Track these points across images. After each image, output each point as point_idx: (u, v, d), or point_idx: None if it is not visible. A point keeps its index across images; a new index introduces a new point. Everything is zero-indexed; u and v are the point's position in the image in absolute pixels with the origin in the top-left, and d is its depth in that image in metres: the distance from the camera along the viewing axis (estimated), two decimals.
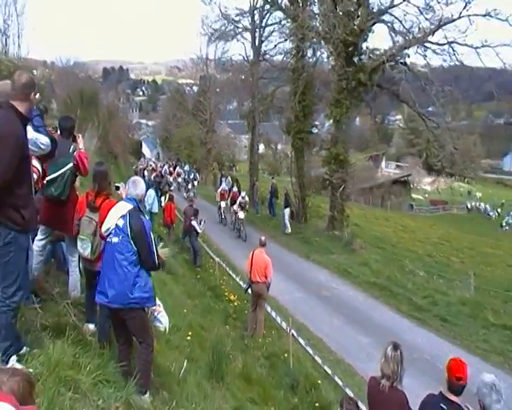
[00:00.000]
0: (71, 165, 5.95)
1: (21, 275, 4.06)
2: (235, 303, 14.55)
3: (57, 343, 4.50)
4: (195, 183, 39.03)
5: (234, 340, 10.51)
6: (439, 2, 23.06)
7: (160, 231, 19.21)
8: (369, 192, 61.02)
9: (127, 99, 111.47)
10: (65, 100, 23.12)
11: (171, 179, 38.96)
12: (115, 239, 4.95)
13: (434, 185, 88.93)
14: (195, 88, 72.17)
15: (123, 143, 31.34)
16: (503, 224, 58.91)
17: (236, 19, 34.25)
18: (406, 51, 25.03)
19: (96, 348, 5.09)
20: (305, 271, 19.43)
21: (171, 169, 46.33)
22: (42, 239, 6.07)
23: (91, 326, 5.68)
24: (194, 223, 18.12)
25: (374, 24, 25.26)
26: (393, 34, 24.74)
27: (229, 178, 37.14)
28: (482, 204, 70.71)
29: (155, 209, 19.13)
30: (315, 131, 31.71)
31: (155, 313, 7.78)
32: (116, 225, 4.99)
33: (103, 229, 5.14)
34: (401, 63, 25.15)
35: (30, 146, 4.31)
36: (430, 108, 30.34)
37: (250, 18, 33.94)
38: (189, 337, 8.61)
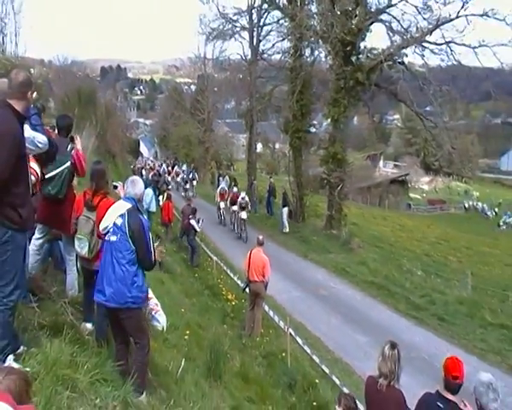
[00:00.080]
0: (68, 163, 5.94)
1: (19, 274, 4.06)
2: (233, 302, 14.55)
3: (54, 342, 4.50)
4: (194, 182, 39.00)
5: (232, 339, 10.52)
6: (436, 2, 23.13)
7: (157, 230, 19.21)
8: (367, 191, 61.07)
9: (125, 98, 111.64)
10: (62, 99, 23.06)
11: (169, 179, 38.95)
12: (113, 238, 4.96)
13: (432, 185, 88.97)
14: (193, 87, 72.16)
15: (121, 141, 31.26)
16: (501, 223, 58.99)
17: (234, 18, 34.28)
18: (404, 51, 25.09)
19: (93, 347, 5.09)
20: (302, 270, 19.43)
21: (170, 168, 46.32)
22: (39, 238, 6.05)
23: (89, 325, 5.67)
24: (192, 221, 18.12)
25: (372, 23, 25.29)
26: (391, 34, 24.79)
27: (227, 177, 37.13)
28: (480, 204, 70.79)
29: (153, 208, 19.14)
30: (313, 130, 31.73)
31: (153, 312, 7.78)
32: (114, 223, 4.99)
33: (101, 227, 5.14)
34: (399, 63, 25.19)
35: (27, 144, 4.30)
36: (428, 108, 30.40)
37: (248, 17, 33.93)
38: (186, 336, 8.61)
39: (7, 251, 3.94)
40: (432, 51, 24.19)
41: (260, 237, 13.15)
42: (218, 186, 36.57)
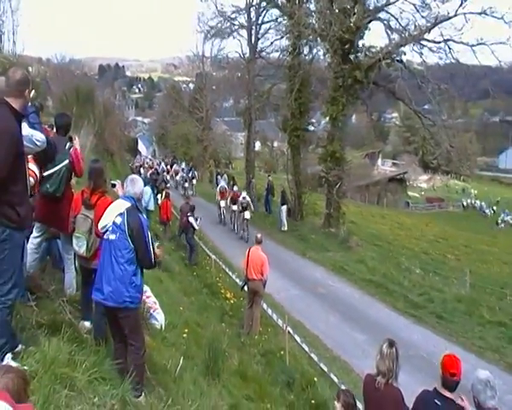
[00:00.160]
0: (67, 162, 5.93)
1: (16, 272, 4.05)
2: (232, 301, 14.56)
3: (53, 341, 4.49)
4: (194, 181, 38.89)
5: (230, 337, 10.51)
6: (434, 0, 23.17)
7: (156, 228, 19.20)
8: (366, 190, 61.13)
9: (123, 96, 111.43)
10: (60, 97, 22.98)
11: (168, 177, 38.89)
12: (112, 236, 4.95)
13: (430, 183, 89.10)
14: (191, 85, 72.14)
15: (119, 140, 31.20)
16: (499, 221, 59.12)
17: (232, 16, 34.30)
18: (402, 49, 25.12)
19: (91, 346, 5.08)
20: (301, 268, 19.44)
21: (168, 167, 46.27)
22: (37, 236, 6.05)
23: (87, 324, 5.67)
24: (191, 219, 18.11)
25: (370, 21, 25.32)
26: (389, 32, 24.82)
27: (226, 175, 37.11)
28: (478, 202, 70.93)
29: (151, 207, 19.13)
30: (311, 128, 31.78)
31: (151, 311, 7.78)
32: (113, 222, 4.98)
33: (100, 226, 5.14)
34: (397, 61, 25.21)
35: (25, 143, 4.29)
36: (426, 106, 30.41)
37: (246, 15, 33.92)
38: (185, 335, 8.60)
39: (4, 250, 3.93)
40: (430, 49, 24.27)
41: (259, 236, 13.16)
42: (217, 185, 36.69)
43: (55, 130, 6.50)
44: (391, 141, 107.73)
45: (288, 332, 11.19)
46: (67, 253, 6.12)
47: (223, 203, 26.29)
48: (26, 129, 4.44)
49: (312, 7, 27.48)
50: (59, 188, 5.84)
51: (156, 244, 5.41)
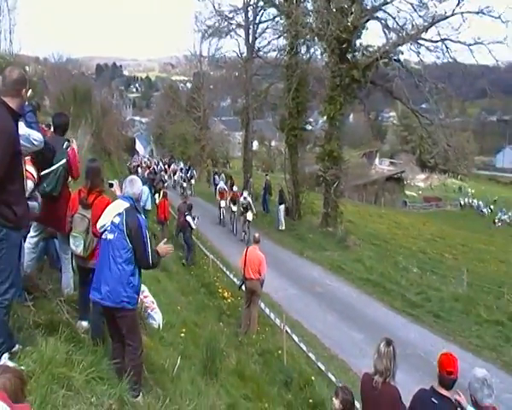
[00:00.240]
0: (64, 161, 5.91)
1: (14, 272, 4.04)
2: (229, 300, 14.55)
3: (50, 341, 4.48)
4: (193, 181, 38.75)
5: (228, 337, 10.51)
6: (432, 0, 23.17)
7: (153, 228, 19.17)
8: (363, 189, 61.24)
9: (121, 96, 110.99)
10: (58, 97, 22.96)
11: (166, 177, 38.81)
12: (110, 236, 4.94)
13: (428, 182, 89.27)
14: (189, 85, 72.02)
15: (116, 139, 31.20)
16: (496, 220, 59.26)
17: (230, 15, 34.32)
18: (400, 48, 25.20)
19: (89, 346, 5.07)
20: (298, 267, 19.44)
21: (166, 167, 46.20)
22: (34, 236, 6.04)
23: (84, 323, 5.66)
24: (188, 218, 18.09)
25: (367, 21, 25.36)
26: (387, 31, 24.85)
27: (223, 174, 37.08)
28: (475, 201, 71.06)
29: (149, 206, 19.10)
30: (309, 127, 31.80)
31: (149, 310, 7.77)
32: (112, 222, 4.98)
33: (98, 225, 5.13)
34: (395, 60, 25.25)
35: (22, 142, 4.28)
36: (423, 105, 30.45)
37: (244, 15, 33.97)
38: (182, 334, 8.60)
39: (1, 249, 3.92)
40: (427, 49, 24.35)
41: (256, 235, 13.17)
42: (215, 184, 36.63)
43: (52, 129, 6.48)
44: (388, 140, 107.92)
45: (286, 332, 11.19)
46: (65, 252, 6.10)
47: (223, 204, 26.04)
48: (23, 128, 4.44)
49: (310, 6, 27.56)
50: (56, 187, 5.83)
51: (163, 241, 5.42)
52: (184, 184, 36.68)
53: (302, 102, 28.18)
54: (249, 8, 33.67)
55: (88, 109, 22.90)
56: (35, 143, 4.66)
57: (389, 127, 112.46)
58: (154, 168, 40.26)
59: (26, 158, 4.88)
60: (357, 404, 5.85)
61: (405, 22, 24.32)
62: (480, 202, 69.35)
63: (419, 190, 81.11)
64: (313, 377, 10.01)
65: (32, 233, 5.98)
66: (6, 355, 3.97)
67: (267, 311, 13.15)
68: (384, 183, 66.42)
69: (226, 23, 34.65)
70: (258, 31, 34.14)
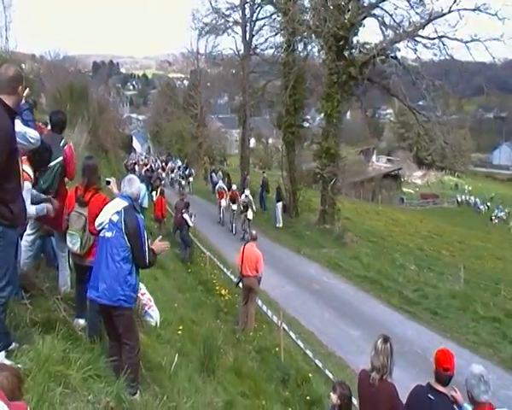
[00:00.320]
0: (61, 158, 5.91)
1: (10, 270, 4.03)
2: (227, 297, 14.56)
3: (47, 339, 4.47)
4: (191, 179, 38.56)
5: (225, 334, 10.52)
6: None
7: (150, 225, 19.16)
8: (360, 186, 61.30)
9: (117, 93, 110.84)
10: (54, 94, 22.88)
11: (163, 175, 38.74)
12: (108, 234, 4.94)
13: (425, 179, 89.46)
14: (186, 82, 72.07)
15: (113, 137, 31.11)
16: (493, 217, 59.41)
17: (227, 13, 34.21)
18: (397, 45, 25.26)
19: (86, 343, 5.06)
20: (296, 265, 19.46)
21: (163, 164, 46.14)
22: (31, 234, 6.03)
23: (81, 321, 5.65)
24: (185, 216, 18.08)
25: (364, 18, 25.32)
26: (384, 28, 24.84)
27: (221, 172, 37.05)
28: (472, 198, 71.21)
29: (145, 204, 19.07)
30: (306, 125, 31.84)
31: (146, 308, 7.77)
32: (110, 220, 4.97)
33: (96, 223, 5.14)
34: (392, 57, 25.26)
35: (18, 139, 4.26)
36: (421, 102, 30.45)
37: (241, 12, 33.86)
38: (179, 332, 8.61)
39: None
40: (424, 46, 24.30)
41: (254, 232, 13.18)
42: (212, 182, 36.61)
43: (49, 127, 6.46)
44: (385, 137, 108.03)
45: (283, 329, 11.19)
46: (61, 250, 6.09)
47: (223, 203, 25.65)
48: (19, 126, 4.42)
49: (307, 3, 27.50)
50: (52, 184, 5.82)
51: (158, 238, 5.41)
52: (183, 182, 36.64)
53: (299, 100, 28.19)
54: (246, 6, 33.58)
55: (85, 107, 22.84)
56: (31, 141, 4.64)
57: (386, 124, 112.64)
58: (151, 166, 40.22)
59: (23, 158, 4.86)
60: (355, 401, 5.85)
61: (402, 19, 24.35)
62: (477, 199, 69.50)
63: (416, 187, 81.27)
64: (310, 375, 10.03)
65: (28, 231, 5.96)
66: (3, 354, 3.96)
67: (264, 308, 13.15)
68: (381, 180, 66.49)
69: (223, 20, 34.56)
70: (256, 28, 34.01)
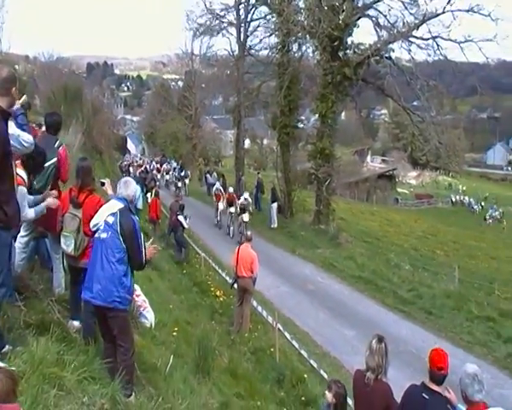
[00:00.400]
0: (55, 160, 5.91)
1: (4, 272, 4.02)
2: (221, 298, 14.56)
3: (41, 341, 4.46)
4: (187, 181, 38.42)
5: (220, 335, 10.53)
6: None
7: (145, 227, 19.12)
8: (355, 186, 61.37)
9: (112, 94, 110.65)
10: (48, 95, 22.79)
11: (158, 177, 38.61)
12: (104, 235, 4.94)
13: (419, 179, 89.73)
14: (181, 83, 71.96)
15: (108, 138, 30.95)
16: (487, 217, 59.57)
17: (221, 13, 34.27)
18: (391, 46, 25.28)
19: (80, 345, 5.05)
20: (290, 265, 19.47)
21: (158, 166, 46.04)
22: (25, 235, 6.01)
23: (76, 323, 5.64)
24: (180, 218, 18.06)
25: (359, 18, 25.37)
26: (378, 29, 24.90)
27: (215, 173, 37.02)
28: (466, 198, 71.44)
29: (140, 205, 19.03)
30: (301, 125, 31.86)
31: (141, 309, 7.76)
32: (105, 221, 4.97)
33: (92, 224, 5.13)
34: (386, 58, 25.30)
35: (12, 142, 4.25)
36: (415, 103, 30.56)
37: (235, 13, 33.91)
38: (174, 333, 8.61)
39: None
40: (418, 46, 24.40)
41: (248, 233, 13.21)
42: (207, 183, 36.53)
43: (44, 128, 6.45)
44: (380, 138, 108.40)
45: (278, 329, 11.20)
46: (56, 252, 6.08)
47: (221, 206, 25.24)
48: (13, 128, 4.41)
49: (301, 4, 27.52)
50: (46, 185, 5.81)
51: (149, 242, 5.41)
52: (179, 184, 36.53)
53: (294, 100, 28.21)
54: (241, 7, 33.63)
55: (79, 108, 22.73)
56: (25, 144, 4.61)
57: (381, 125, 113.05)
58: (145, 167, 40.13)
59: (17, 162, 4.84)
60: (350, 401, 5.87)
61: (396, 20, 24.44)
62: (471, 199, 69.72)
63: (410, 188, 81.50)
64: (305, 375, 10.04)
65: (22, 233, 5.94)
66: None
67: (259, 309, 13.16)
68: (376, 180, 66.61)
69: (218, 21, 34.63)
70: (250, 29, 34.08)
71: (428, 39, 23.92)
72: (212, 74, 47.72)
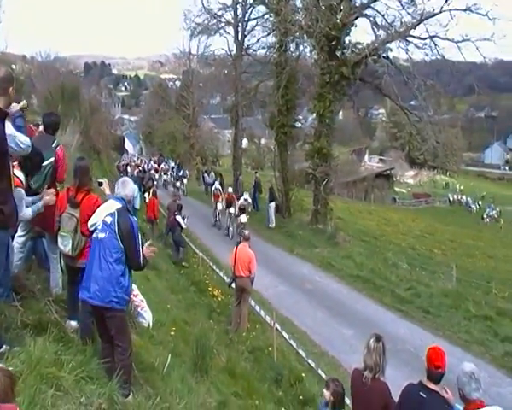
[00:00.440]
0: (52, 159, 5.89)
1: (1, 271, 4.01)
2: (219, 298, 14.56)
3: (38, 341, 4.45)
4: (185, 180, 38.40)
5: (218, 334, 10.51)
6: None
7: (143, 226, 19.10)
8: (353, 186, 61.34)
9: (109, 94, 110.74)
10: (45, 95, 22.78)
11: (156, 177, 38.57)
12: (102, 235, 4.94)
13: (417, 178, 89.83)
14: (178, 83, 72.00)
15: (105, 138, 30.97)
16: (484, 216, 59.66)
17: (219, 13, 34.33)
18: (388, 45, 25.31)
19: (78, 345, 5.05)
20: (288, 264, 19.47)
21: (156, 166, 46.01)
22: (22, 235, 5.99)
23: (73, 323, 5.63)
24: (178, 218, 18.05)
25: (356, 18, 25.39)
26: (376, 28, 24.90)
27: (213, 172, 37.01)
28: (464, 197, 71.51)
29: (137, 205, 19.01)
30: (298, 125, 31.84)
31: (138, 309, 7.76)
32: (103, 221, 4.97)
33: (89, 224, 5.13)
34: (383, 57, 25.30)
35: (8, 142, 4.24)
36: (412, 102, 30.59)
37: (233, 12, 33.94)
38: (172, 332, 8.60)
39: None
40: (416, 46, 24.42)
41: (246, 232, 13.19)
42: (204, 182, 36.51)
43: (42, 128, 6.43)
44: (378, 137, 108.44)
45: (276, 329, 11.20)
46: (53, 252, 6.07)
47: (219, 206, 24.87)
48: (9, 128, 4.40)
49: (299, 3, 27.51)
50: (43, 185, 5.80)
51: (147, 243, 5.40)
52: (178, 184, 36.49)
53: (291, 100, 28.21)
54: (238, 6, 33.68)
55: (76, 108, 22.72)
56: (22, 146, 4.58)
57: (378, 124, 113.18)
58: (143, 167, 40.11)
59: (14, 163, 4.83)
60: (347, 400, 5.87)
61: (394, 19, 24.44)
62: (469, 198, 69.76)
63: (408, 187, 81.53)
64: (303, 374, 10.04)
65: (19, 232, 5.93)
66: None
67: (257, 308, 13.15)
68: (373, 179, 66.55)
69: (215, 21, 34.65)
70: (248, 28, 34.14)
71: (426, 39, 23.95)
72: (209, 74, 47.72)
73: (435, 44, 23.81)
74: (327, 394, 5.45)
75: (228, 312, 13.41)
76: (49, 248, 6.18)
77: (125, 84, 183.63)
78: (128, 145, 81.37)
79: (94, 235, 5.04)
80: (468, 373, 4.41)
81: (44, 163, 5.75)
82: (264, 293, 15.37)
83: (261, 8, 32.47)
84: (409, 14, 23.91)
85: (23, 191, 5.24)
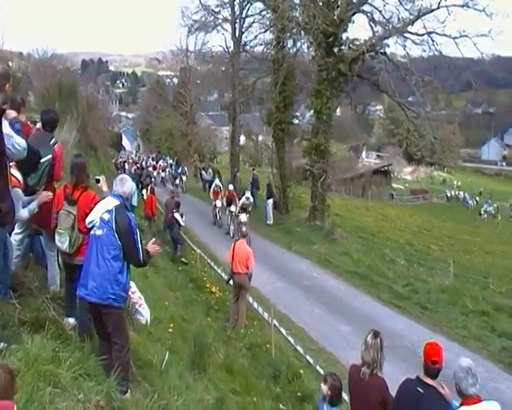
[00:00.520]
0: (50, 156, 5.88)
1: None
2: (217, 295, 14.56)
3: (36, 338, 4.45)
4: (184, 178, 38.21)
5: (216, 331, 10.51)
6: None
7: (140, 223, 19.08)
8: (350, 182, 61.42)
9: (106, 91, 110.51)
10: (42, 92, 22.70)
11: (155, 174, 38.48)
12: (99, 232, 4.94)
13: (414, 175, 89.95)
14: (176, 80, 71.84)
15: (102, 135, 30.91)
16: (482, 212, 59.74)
17: (216, 10, 34.26)
18: (386, 41, 25.23)
19: (76, 342, 5.05)
20: (286, 261, 19.48)
21: (154, 163, 45.92)
22: (19, 233, 5.98)
23: (71, 320, 5.63)
24: (177, 215, 18.04)
25: (354, 14, 25.35)
26: (373, 24, 24.86)
27: (211, 169, 36.98)
28: (461, 193, 71.66)
29: (135, 202, 18.99)
30: (296, 121, 31.77)
31: (136, 306, 7.76)
32: (101, 218, 4.97)
33: (87, 221, 5.13)
34: (381, 53, 25.28)
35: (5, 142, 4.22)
36: (410, 98, 30.56)
37: (230, 9, 33.92)
38: (170, 329, 8.61)
39: None
40: (413, 42, 24.45)
41: (244, 229, 13.21)
42: (202, 179, 36.47)
43: (40, 125, 6.42)
44: (375, 133, 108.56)
45: (274, 325, 11.23)
46: (50, 249, 6.06)
47: (218, 204, 24.56)
48: (6, 127, 4.38)
49: (296, 0, 27.47)
50: (39, 182, 5.79)
51: (152, 240, 5.40)
52: (177, 181, 36.41)
53: (289, 96, 28.18)
54: (235, 3, 33.64)
55: (73, 105, 22.67)
56: (18, 148, 4.55)
57: (376, 120, 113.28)
58: (141, 164, 40.05)
59: (11, 163, 4.81)
60: (345, 396, 5.89)
61: (391, 15, 24.42)
62: (466, 194, 69.93)
63: (406, 183, 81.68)
64: (301, 370, 10.06)
65: (16, 230, 5.92)
66: None
67: (255, 305, 13.18)
68: (371, 176, 66.64)
69: (212, 17, 34.59)
70: (245, 25, 34.12)
71: (423, 35, 23.97)
72: (207, 71, 47.73)
73: (433, 40, 23.87)
74: (324, 388, 5.47)
75: (226, 309, 13.41)
76: (46, 245, 6.18)
77: (123, 81, 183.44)
78: (125, 142, 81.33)
79: (91, 232, 5.03)
80: (465, 368, 4.42)
81: (42, 160, 5.74)
82: (261, 290, 15.38)
83: (258, 5, 32.44)
84: (406, 10, 23.93)
85: (20, 191, 5.23)
